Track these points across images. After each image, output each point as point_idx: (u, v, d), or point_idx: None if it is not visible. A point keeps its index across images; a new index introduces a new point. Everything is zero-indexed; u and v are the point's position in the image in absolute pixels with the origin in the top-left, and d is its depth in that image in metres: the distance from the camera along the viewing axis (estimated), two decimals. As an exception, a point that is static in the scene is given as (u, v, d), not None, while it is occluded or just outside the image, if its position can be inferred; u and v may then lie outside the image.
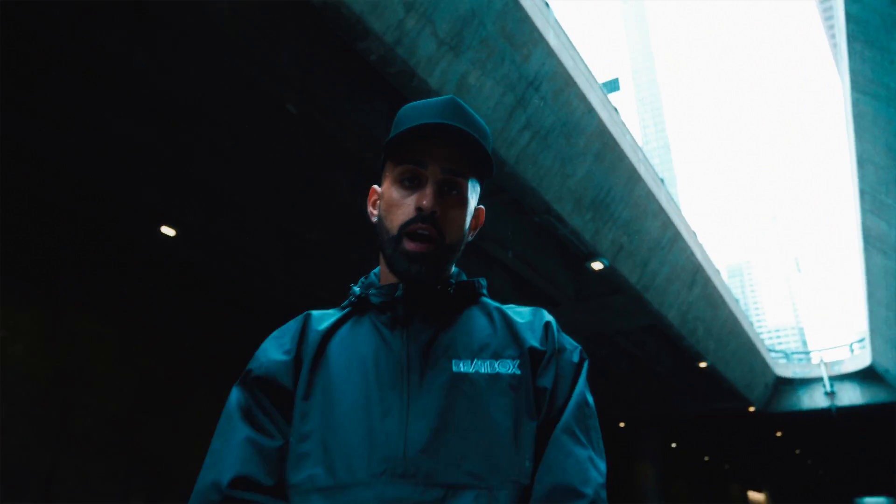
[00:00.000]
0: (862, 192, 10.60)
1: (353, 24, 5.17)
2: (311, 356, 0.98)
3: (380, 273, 1.08)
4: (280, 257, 10.16)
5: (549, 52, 6.92)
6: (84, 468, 8.71)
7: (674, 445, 29.63)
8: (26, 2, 5.05)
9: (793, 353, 26.85)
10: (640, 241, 10.43)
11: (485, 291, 1.11)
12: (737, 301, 16.81)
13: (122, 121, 6.81)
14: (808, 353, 26.48)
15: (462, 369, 0.93)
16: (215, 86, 6.28)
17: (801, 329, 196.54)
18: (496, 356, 0.95)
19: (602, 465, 0.91)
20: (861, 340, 20.93)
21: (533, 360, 0.97)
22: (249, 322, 10.96)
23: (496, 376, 0.93)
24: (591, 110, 7.95)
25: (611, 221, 9.50)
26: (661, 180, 11.01)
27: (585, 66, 7.96)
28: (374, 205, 1.08)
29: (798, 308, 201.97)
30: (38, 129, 6.96)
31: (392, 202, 0.99)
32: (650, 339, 14.79)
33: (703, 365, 15.70)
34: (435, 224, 0.95)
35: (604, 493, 0.88)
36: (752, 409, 20.78)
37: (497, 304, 1.07)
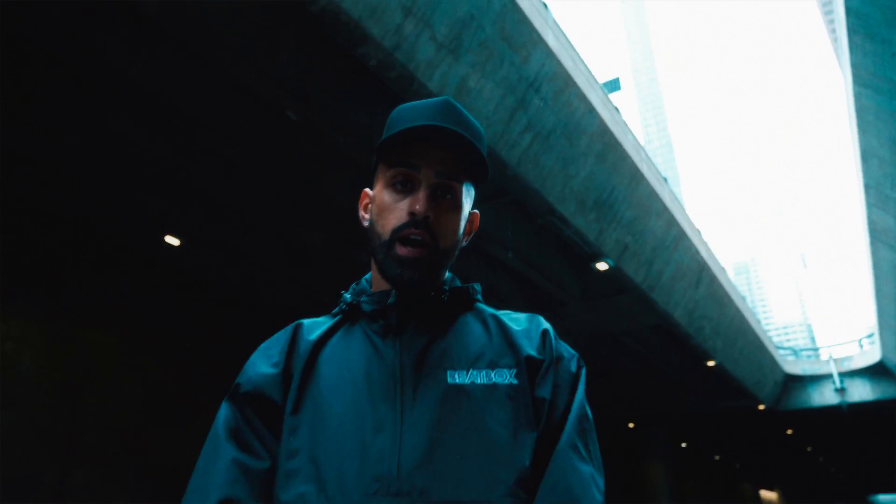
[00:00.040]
0: (867, 187, 10.54)
1: (351, 30, 5.18)
2: (300, 368, 0.94)
3: (371, 279, 1.04)
4: (284, 263, 10.18)
5: (549, 53, 6.91)
6: (93, 477, 8.72)
7: (684, 445, 29.51)
8: (26, 12, 5.07)
9: (801, 349, 26.64)
10: (644, 241, 10.41)
11: (479, 297, 1.07)
12: (743, 299, 16.73)
13: (123, 130, 6.84)
14: (816, 349, 26.29)
15: (457, 380, 0.90)
16: (216, 93, 6.30)
17: (809, 325, 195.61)
18: (492, 366, 0.92)
19: (601, 482, 0.89)
20: (870, 336, 20.79)
21: (530, 369, 0.93)
22: (255, 328, 10.92)
23: (493, 387, 0.90)
24: (591, 110, 7.94)
25: (614, 221, 9.47)
26: (664, 179, 10.98)
27: (585, 66, 7.95)
28: (365, 208, 1.06)
29: (805, 304, 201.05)
30: (41, 140, 6.99)
31: (384, 206, 0.96)
32: (657, 339, 14.74)
33: (710, 363, 15.62)
34: (428, 229, 0.92)
35: None
36: (761, 407, 20.66)
37: (492, 311, 1.04)
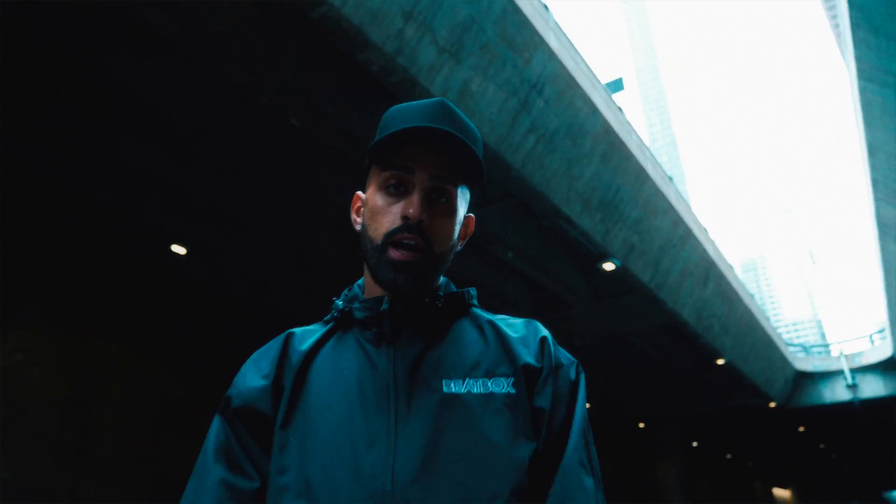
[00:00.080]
0: (874, 181, 10.48)
1: (352, 36, 5.19)
2: (291, 380, 0.91)
3: (364, 285, 1.01)
4: (291, 269, 10.19)
5: (551, 55, 6.90)
6: (104, 488, 8.73)
7: (695, 444, 29.34)
8: (30, 27, 5.11)
9: (812, 346, 26.50)
10: (651, 240, 10.37)
11: (475, 302, 1.04)
12: (752, 296, 16.65)
13: (127, 142, 6.88)
14: (827, 345, 26.14)
15: (453, 390, 0.87)
16: (218, 102, 6.32)
17: (818, 322, 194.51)
18: (489, 374, 0.89)
19: (602, 496, 0.87)
20: (881, 331, 20.64)
21: (528, 377, 0.90)
22: (262, 335, 10.92)
23: (490, 396, 0.87)
24: (595, 111, 7.93)
25: (620, 221, 9.44)
26: (670, 178, 10.94)
27: (588, 66, 7.94)
28: (357, 212, 1.03)
29: (815, 301, 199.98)
30: (47, 153, 7.04)
31: (376, 210, 0.93)
32: (666, 338, 14.67)
33: (720, 362, 15.54)
34: (422, 234, 0.90)
35: None
36: (772, 404, 20.53)
37: (488, 316, 1.01)
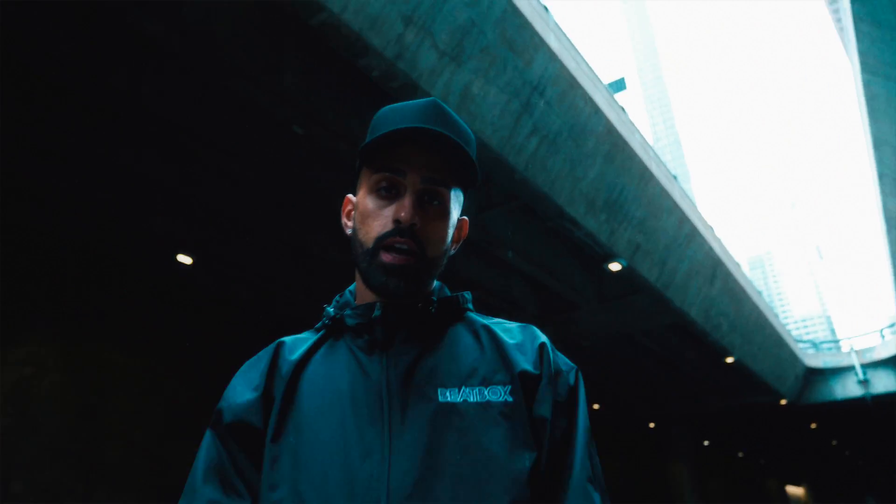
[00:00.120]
0: (881, 175, 10.43)
1: (352, 42, 5.20)
2: (281, 391, 0.89)
3: (356, 291, 0.99)
4: (297, 276, 10.21)
5: (552, 56, 6.90)
6: (116, 497, 8.75)
7: (706, 443, 29.19)
8: (32, 41, 5.14)
9: (822, 342, 26.37)
10: (656, 240, 10.34)
11: (470, 306, 1.01)
12: (760, 293, 16.57)
13: (132, 153, 6.91)
14: (837, 341, 26.01)
15: (449, 399, 0.84)
16: (220, 111, 6.34)
17: (828, 317, 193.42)
18: (485, 382, 0.86)
19: None
20: (892, 325, 20.52)
21: (525, 385, 0.87)
22: (268, 340, 10.96)
23: (486, 405, 0.84)
24: (597, 111, 7.91)
25: (626, 221, 9.42)
26: (674, 177, 10.91)
27: (589, 67, 7.93)
28: (348, 215, 1.01)
29: (824, 296, 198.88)
30: (52, 166, 7.08)
31: (367, 213, 0.91)
32: (674, 337, 14.61)
33: (729, 360, 15.47)
34: (414, 237, 0.87)
35: None
36: (783, 401, 20.41)
37: (483, 321, 0.98)
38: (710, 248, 12.08)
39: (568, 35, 7.50)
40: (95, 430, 8.78)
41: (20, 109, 6.02)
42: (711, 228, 12.54)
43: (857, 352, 20.86)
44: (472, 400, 0.84)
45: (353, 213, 0.98)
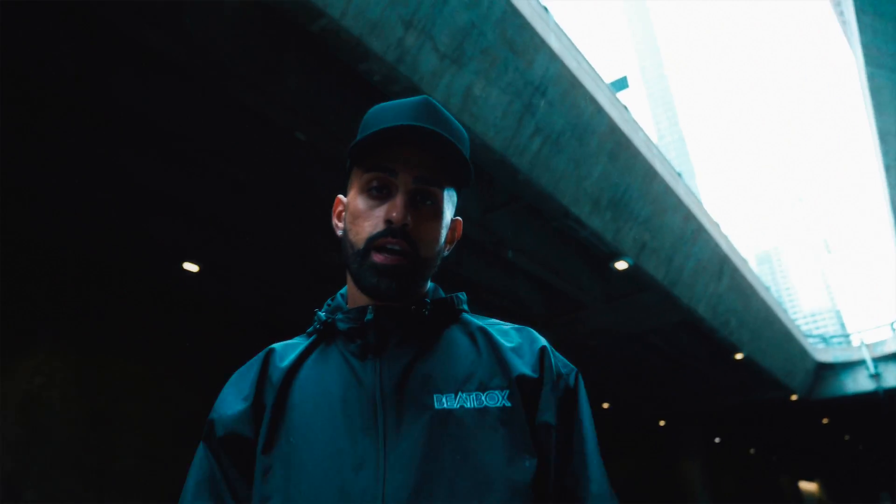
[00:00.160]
0: (888, 168, 10.37)
1: (353, 47, 5.21)
2: (272, 400, 0.86)
3: (347, 294, 0.96)
4: (303, 282, 10.22)
5: (552, 56, 6.89)
6: (128, 508, 8.79)
7: (717, 441, 29.05)
8: (34, 51, 5.17)
9: (832, 336, 26.20)
10: (662, 237, 10.31)
11: (465, 307, 0.98)
12: (768, 289, 16.49)
13: (135, 162, 6.95)
14: (847, 335, 25.81)
15: (445, 405, 0.81)
16: (223, 119, 6.36)
17: (837, 311, 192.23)
18: (483, 387, 0.83)
19: None
20: (902, 318, 20.35)
21: (523, 389, 0.84)
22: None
23: (484, 411, 0.81)
24: (600, 110, 7.90)
25: (631, 220, 9.40)
26: (679, 174, 10.88)
27: (590, 66, 7.92)
28: (338, 216, 0.98)
29: (832, 290, 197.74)
30: (57, 177, 7.12)
31: (358, 213, 0.88)
32: (683, 335, 14.56)
33: (739, 357, 15.40)
34: (406, 238, 0.85)
35: None
36: (794, 397, 20.29)
37: (479, 323, 0.95)
38: (717, 245, 12.04)
39: (569, 35, 7.50)
40: (106, 439, 8.83)
41: (26, 121, 6.07)
42: (717, 225, 12.50)
43: (867, 345, 20.71)
44: (469, 406, 0.81)
45: (343, 214, 0.95)
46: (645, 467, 22.89)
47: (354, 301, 0.93)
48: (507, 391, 0.83)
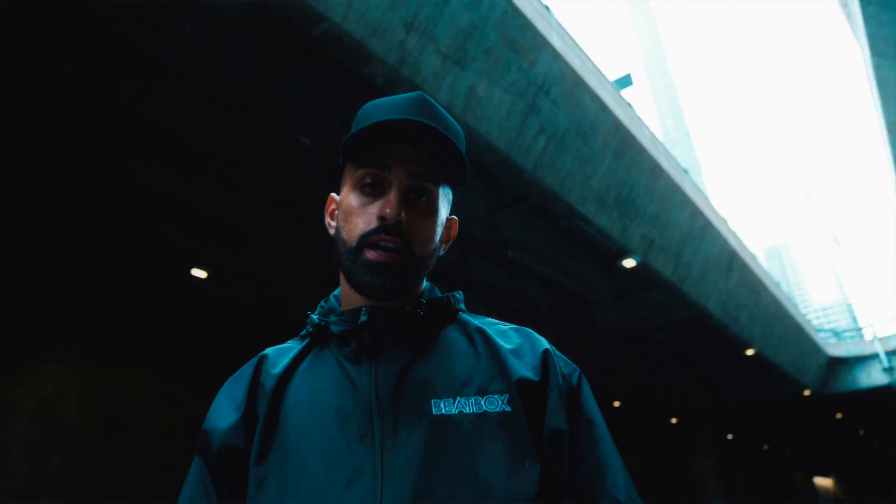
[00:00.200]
0: (896, 159, 10.28)
1: (354, 51, 5.22)
2: (265, 408, 0.83)
3: (341, 295, 0.93)
4: (310, 286, 10.23)
5: (555, 55, 6.88)
6: (141, 514, 8.84)
7: (730, 437, 28.90)
8: (38, 59, 5.21)
9: (843, 331, 25.96)
10: (670, 234, 10.27)
11: (462, 307, 0.95)
12: (778, 284, 16.38)
13: (142, 170, 6.99)
14: (859, 329, 25.59)
15: (444, 410, 0.78)
16: (228, 125, 6.39)
17: (849, 305, 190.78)
18: (482, 391, 0.80)
19: None
20: (915, 311, 20.17)
21: (524, 393, 0.81)
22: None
23: (483, 416, 0.78)
24: (604, 108, 7.88)
25: (638, 217, 9.37)
26: (685, 170, 10.84)
27: (594, 64, 7.91)
28: (331, 215, 0.95)
29: (843, 284, 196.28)
30: (65, 185, 7.17)
31: (351, 210, 0.86)
32: (693, 332, 14.49)
33: (750, 352, 15.30)
34: (400, 235, 0.82)
35: None
36: (807, 392, 20.13)
37: (478, 323, 0.91)
38: (725, 241, 11.98)
39: (571, 33, 7.48)
40: (119, 446, 8.88)
41: (34, 130, 6.11)
42: (725, 220, 12.44)
43: (880, 339, 20.52)
44: (468, 411, 0.78)
45: (336, 212, 0.92)
46: (657, 465, 22.78)
47: (348, 302, 0.90)
48: (507, 395, 0.80)
